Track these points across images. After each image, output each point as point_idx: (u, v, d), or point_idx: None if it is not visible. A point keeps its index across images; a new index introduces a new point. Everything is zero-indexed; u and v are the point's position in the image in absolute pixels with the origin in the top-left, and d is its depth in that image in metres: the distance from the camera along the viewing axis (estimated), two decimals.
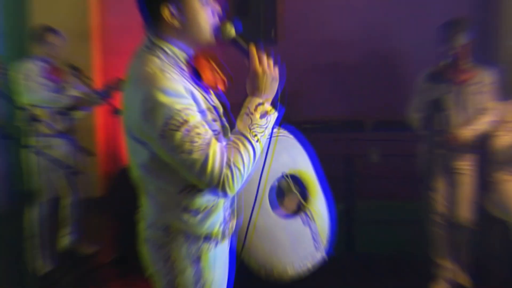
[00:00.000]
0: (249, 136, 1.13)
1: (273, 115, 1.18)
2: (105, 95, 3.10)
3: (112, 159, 4.24)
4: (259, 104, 1.16)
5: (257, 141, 1.14)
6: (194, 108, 1.11)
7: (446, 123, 2.59)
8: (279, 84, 1.20)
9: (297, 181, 1.66)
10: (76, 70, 3.06)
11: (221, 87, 1.25)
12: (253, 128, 1.14)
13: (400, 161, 3.03)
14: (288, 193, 1.70)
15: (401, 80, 3.13)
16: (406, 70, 3.38)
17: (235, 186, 1.11)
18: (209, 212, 1.22)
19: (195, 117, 1.08)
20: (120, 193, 3.56)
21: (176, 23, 1.15)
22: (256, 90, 1.17)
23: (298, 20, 3.87)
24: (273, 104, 1.21)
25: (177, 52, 1.17)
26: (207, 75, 1.22)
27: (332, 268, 2.76)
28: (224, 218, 1.25)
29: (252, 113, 1.15)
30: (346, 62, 3.90)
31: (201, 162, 1.07)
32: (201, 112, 1.13)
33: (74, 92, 3.10)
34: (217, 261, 1.28)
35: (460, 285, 2.75)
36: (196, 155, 1.08)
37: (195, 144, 1.08)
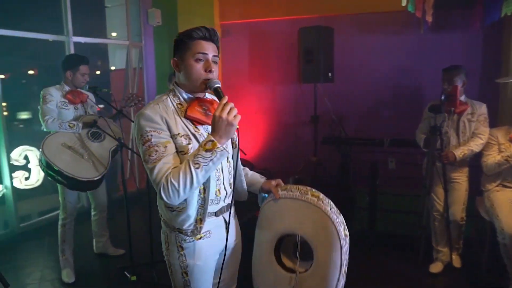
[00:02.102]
0: (191, 163, 1.34)
1: (220, 152, 1.35)
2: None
3: None
4: (210, 140, 1.35)
5: (198, 168, 1.34)
6: (162, 131, 1.41)
7: (443, 144, 2.98)
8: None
9: (308, 248, 1.63)
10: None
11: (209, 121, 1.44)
12: (197, 158, 1.34)
13: (410, 169, 3.65)
14: (291, 251, 1.74)
15: (414, 109, 3.82)
16: (419, 102, 4.11)
17: (171, 195, 1.36)
18: (179, 211, 1.50)
19: (157, 139, 1.40)
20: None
21: (178, 72, 1.50)
22: (212, 130, 1.37)
23: (348, 64, 4.75)
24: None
25: (179, 95, 1.51)
26: (194, 112, 1.47)
27: (360, 242, 3.56)
28: (192, 220, 1.50)
29: (202, 146, 1.35)
30: (375, 95, 4.79)
31: (152, 170, 1.38)
32: (172, 136, 1.42)
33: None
34: (197, 252, 1.55)
35: (452, 265, 3.19)
36: (150, 165, 1.39)
37: (151, 157, 1.39)
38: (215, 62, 1.50)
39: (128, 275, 3.11)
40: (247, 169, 1.83)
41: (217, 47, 1.54)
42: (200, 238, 1.54)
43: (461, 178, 3.11)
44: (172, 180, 1.34)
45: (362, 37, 4.83)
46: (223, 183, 1.59)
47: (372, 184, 3.86)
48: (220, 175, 1.57)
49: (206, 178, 1.41)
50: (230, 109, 1.35)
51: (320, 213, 1.58)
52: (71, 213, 3.24)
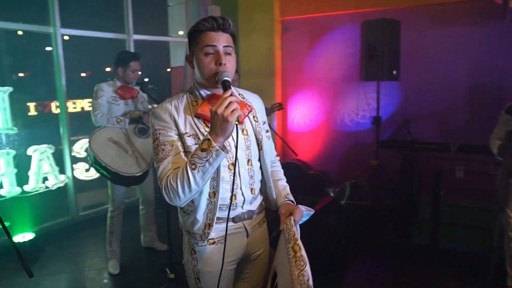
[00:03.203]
0: (188, 164, 1.28)
1: (216, 152, 1.24)
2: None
3: (282, 153, 5.36)
4: (207, 139, 1.25)
5: (194, 169, 1.26)
6: (169, 130, 1.37)
7: None
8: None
9: None
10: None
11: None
12: (193, 158, 1.26)
13: (480, 179, 3.23)
14: None
15: (492, 112, 3.31)
16: (499, 104, 3.55)
17: (171, 196, 1.31)
18: (188, 213, 1.47)
19: (164, 137, 1.37)
20: None
21: (192, 69, 1.45)
22: (210, 128, 1.27)
23: (416, 61, 4.36)
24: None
25: (196, 92, 1.46)
26: (205, 110, 1.40)
27: (419, 258, 3.28)
28: (201, 224, 1.44)
29: (199, 146, 1.27)
30: (446, 95, 4.31)
31: (157, 169, 1.36)
32: (180, 135, 1.38)
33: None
34: (207, 258, 1.48)
35: None
36: (156, 164, 1.37)
37: (158, 156, 1.37)
38: (228, 53, 1.40)
39: (168, 272, 3.09)
40: (280, 178, 1.68)
41: (233, 36, 1.44)
42: (213, 243, 1.47)
43: None
44: (171, 181, 1.29)
45: (433, 30, 4.37)
46: (241, 188, 1.48)
47: (435, 193, 3.49)
48: (237, 178, 1.46)
49: (206, 180, 1.31)
50: (229, 104, 1.22)
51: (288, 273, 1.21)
52: (118, 206, 3.31)
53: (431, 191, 3.51)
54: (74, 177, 4.26)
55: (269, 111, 4.04)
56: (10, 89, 3.71)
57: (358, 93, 4.81)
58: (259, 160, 1.56)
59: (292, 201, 1.56)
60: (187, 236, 1.51)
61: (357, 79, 4.66)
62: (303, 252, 1.19)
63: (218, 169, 1.38)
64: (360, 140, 4.84)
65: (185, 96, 1.46)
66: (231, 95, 1.26)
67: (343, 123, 5.08)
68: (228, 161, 1.43)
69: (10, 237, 1.57)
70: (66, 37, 4.19)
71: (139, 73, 3.32)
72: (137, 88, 3.32)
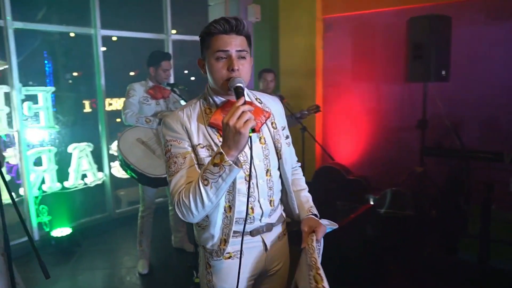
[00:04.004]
0: (200, 179, 1.19)
1: (229, 167, 1.14)
2: (299, 118, 3.74)
3: (321, 156, 5.24)
4: (220, 153, 1.15)
5: (207, 185, 1.17)
6: (182, 141, 1.29)
7: None
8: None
9: None
10: (281, 99, 3.35)
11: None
12: (205, 173, 1.18)
13: None
14: None
15: None
16: None
17: (184, 213, 1.23)
18: (202, 228, 1.38)
19: (176, 149, 1.29)
20: (317, 184, 4.24)
21: (204, 73, 1.35)
22: (222, 140, 1.18)
23: (467, 60, 4.01)
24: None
25: (210, 98, 1.36)
26: (218, 119, 1.30)
27: (467, 279, 3.01)
28: (216, 240, 1.36)
29: (211, 160, 1.18)
30: (501, 98, 3.91)
31: (170, 184, 1.29)
32: (193, 146, 1.29)
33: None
34: (223, 273, 1.40)
35: None
36: (169, 178, 1.30)
37: (170, 169, 1.30)
38: (243, 57, 1.30)
39: (195, 275, 3.04)
40: (302, 188, 1.59)
41: (248, 38, 1.34)
42: (230, 257, 1.39)
43: None
44: (183, 198, 1.22)
45: (488, 27, 3.98)
46: (259, 200, 1.39)
47: (486, 207, 3.16)
48: (254, 191, 1.38)
49: (220, 196, 1.22)
50: (241, 114, 1.12)
51: None
52: (149, 206, 3.31)
53: (481, 204, 3.20)
54: (111, 175, 4.35)
55: (305, 114, 3.89)
56: (52, 89, 3.85)
57: (403, 94, 4.52)
58: (279, 169, 1.46)
59: (316, 215, 1.48)
60: (202, 250, 1.44)
61: (402, 80, 4.39)
62: (325, 284, 1.16)
63: (234, 182, 1.29)
64: (403, 145, 4.55)
65: (198, 103, 1.37)
66: (245, 103, 1.16)
67: (386, 126, 4.81)
68: (244, 172, 1.34)
69: (30, 238, 1.65)
70: (114, 38, 4.30)
71: (171, 72, 3.30)
72: (168, 88, 3.30)
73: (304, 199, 1.55)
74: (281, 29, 5.41)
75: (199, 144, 1.30)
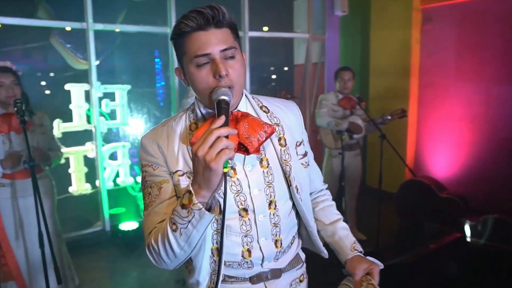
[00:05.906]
0: (168, 222, 0.96)
1: (199, 212, 0.90)
2: (380, 123, 3.32)
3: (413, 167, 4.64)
4: (188, 191, 0.91)
5: (175, 230, 0.94)
6: (157, 167, 1.06)
7: None
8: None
9: None
10: (360, 101, 3.33)
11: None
12: (173, 215, 0.95)
13: None
14: None
15: None
16: None
17: (156, 260, 1.02)
18: (189, 270, 1.13)
19: (151, 177, 1.06)
20: (403, 198, 3.83)
21: (186, 84, 1.09)
22: (193, 174, 0.92)
23: None
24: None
25: (197, 110, 1.10)
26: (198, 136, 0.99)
27: None
28: (202, 285, 1.10)
29: (179, 199, 0.95)
30: None
31: (144, 219, 1.08)
32: (170, 173, 1.05)
33: (355, 119, 3.38)
34: None
35: None
36: (144, 211, 1.08)
37: (144, 201, 1.08)
38: (231, 57, 1.00)
39: None
40: (336, 219, 1.29)
41: (233, 29, 1.03)
42: None
43: None
44: (153, 242, 1.00)
45: None
46: (258, 241, 1.10)
47: None
48: (251, 229, 1.09)
49: (194, 246, 0.98)
50: (215, 141, 0.85)
51: None
52: None
53: None
54: None
55: (388, 120, 3.37)
56: (128, 87, 3.99)
57: None
58: (291, 197, 1.14)
59: (361, 252, 1.22)
60: None
61: None
62: None
63: (223, 217, 0.97)
64: None
65: (184, 116, 1.11)
66: (226, 124, 0.89)
67: (495, 137, 4.03)
68: (238, 206, 1.07)
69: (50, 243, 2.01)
70: None
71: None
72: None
73: (343, 232, 1.25)
74: (373, 22, 4.87)
75: (177, 171, 1.04)
